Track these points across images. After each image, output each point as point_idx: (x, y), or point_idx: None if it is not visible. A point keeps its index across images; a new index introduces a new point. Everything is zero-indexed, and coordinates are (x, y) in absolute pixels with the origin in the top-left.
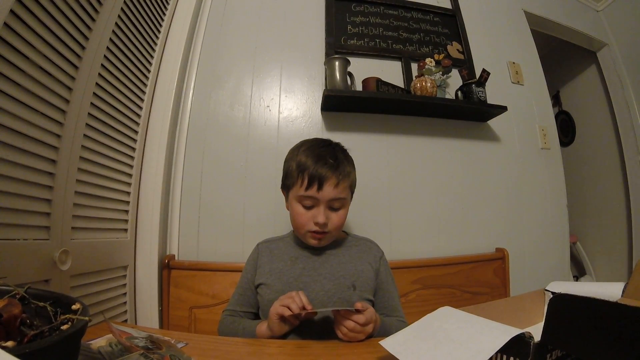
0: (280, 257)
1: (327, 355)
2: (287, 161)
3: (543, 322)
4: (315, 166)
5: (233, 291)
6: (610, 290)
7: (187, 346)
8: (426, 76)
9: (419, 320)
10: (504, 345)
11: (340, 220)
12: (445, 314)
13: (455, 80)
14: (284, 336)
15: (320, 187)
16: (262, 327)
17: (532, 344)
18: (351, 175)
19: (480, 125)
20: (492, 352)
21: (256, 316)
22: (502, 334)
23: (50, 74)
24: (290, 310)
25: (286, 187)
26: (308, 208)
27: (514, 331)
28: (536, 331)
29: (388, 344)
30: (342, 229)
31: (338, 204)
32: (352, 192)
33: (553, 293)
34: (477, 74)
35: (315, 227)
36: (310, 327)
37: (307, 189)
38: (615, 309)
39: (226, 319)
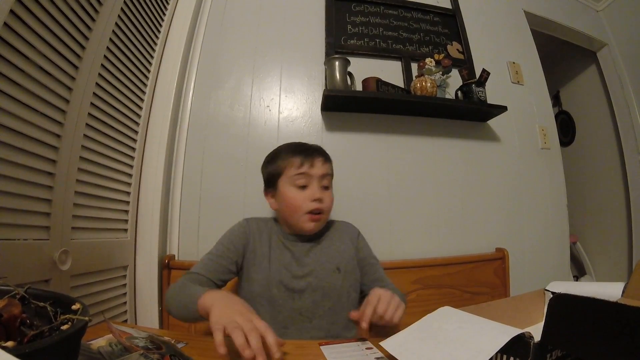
0: (267, 240)
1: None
2: (267, 164)
3: (543, 322)
4: (303, 147)
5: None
6: (610, 290)
7: (187, 346)
8: (426, 76)
9: (419, 320)
10: (504, 345)
11: (331, 201)
12: (445, 314)
13: (455, 80)
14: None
15: (312, 164)
16: (207, 302)
17: (532, 343)
18: (331, 162)
19: (480, 125)
20: (492, 353)
21: (220, 286)
22: (502, 334)
23: (50, 74)
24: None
25: (272, 183)
26: (302, 188)
27: (514, 331)
28: (536, 331)
29: (388, 344)
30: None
31: (327, 182)
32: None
33: (553, 293)
34: (477, 74)
35: (312, 204)
36: (312, 327)
37: (300, 166)
38: (615, 308)
39: (183, 280)
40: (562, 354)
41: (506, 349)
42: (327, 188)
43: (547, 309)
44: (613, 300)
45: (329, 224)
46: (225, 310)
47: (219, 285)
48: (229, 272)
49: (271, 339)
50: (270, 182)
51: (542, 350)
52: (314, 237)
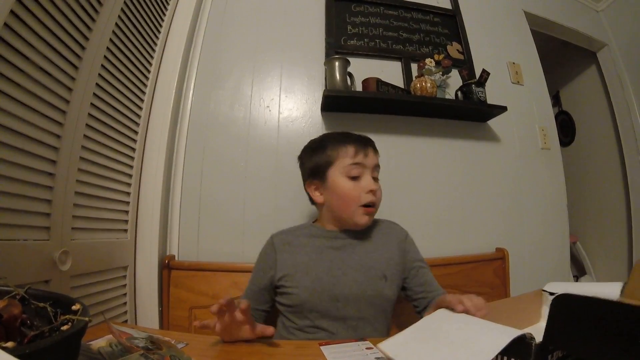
0: (302, 249)
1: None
2: (312, 153)
3: (541, 322)
4: (355, 136)
5: (234, 291)
6: (608, 290)
7: (187, 346)
8: (426, 76)
9: (418, 322)
10: (508, 346)
11: (381, 193)
12: (445, 315)
13: (455, 80)
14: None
15: (366, 153)
16: None
17: (533, 344)
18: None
19: (480, 125)
20: (493, 354)
21: (268, 313)
22: (502, 335)
23: (50, 74)
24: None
25: (319, 174)
26: (355, 179)
27: (515, 332)
28: (534, 332)
29: (386, 346)
30: None
31: (376, 174)
32: None
33: (551, 293)
34: (477, 74)
35: (368, 197)
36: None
37: (354, 155)
38: (617, 307)
39: None
40: (563, 354)
41: (507, 351)
42: (377, 180)
43: (550, 309)
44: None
45: (374, 223)
46: None
47: (266, 310)
48: (269, 298)
49: (243, 305)
50: (317, 173)
51: (543, 352)
52: (360, 236)
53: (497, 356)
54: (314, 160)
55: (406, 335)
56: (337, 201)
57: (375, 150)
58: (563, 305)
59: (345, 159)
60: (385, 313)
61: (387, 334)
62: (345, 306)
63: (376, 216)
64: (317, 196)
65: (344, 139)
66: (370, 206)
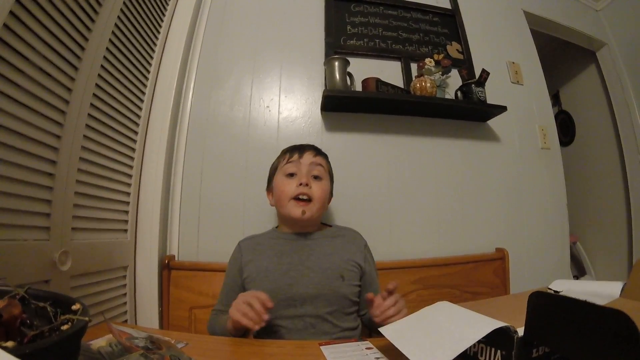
0: (265, 253)
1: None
2: (271, 164)
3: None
4: (297, 144)
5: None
6: (609, 290)
7: (187, 346)
8: (426, 76)
9: (418, 311)
10: (495, 339)
11: (323, 190)
12: (443, 307)
13: (454, 80)
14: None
15: (301, 155)
16: (229, 324)
17: (515, 338)
18: (328, 162)
19: (480, 125)
20: (473, 341)
21: None
22: (486, 326)
23: (49, 75)
24: (248, 318)
25: (270, 179)
26: (290, 176)
27: (497, 324)
28: None
29: (385, 330)
30: (324, 210)
31: (318, 172)
32: (331, 183)
33: (555, 291)
34: (477, 74)
35: (298, 189)
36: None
37: (289, 158)
38: (587, 307)
39: (211, 318)
40: (550, 349)
41: (495, 342)
42: (318, 178)
43: (527, 305)
44: (608, 299)
45: (335, 229)
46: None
47: None
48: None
49: (263, 297)
50: (269, 179)
51: (527, 345)
52: (319, 239)
53: (486, 347)
54: (270, 169)
55: (404, 322)
56: (276, 199)
57: (317, 153)
58: (538, 303)
59: (283, 161)
60: (344, 311)
61: (355, 331)
62: (303, 305)
63: (374, 217)
64: (270, 199)
65: (289, 147)
66: (303, 199)
